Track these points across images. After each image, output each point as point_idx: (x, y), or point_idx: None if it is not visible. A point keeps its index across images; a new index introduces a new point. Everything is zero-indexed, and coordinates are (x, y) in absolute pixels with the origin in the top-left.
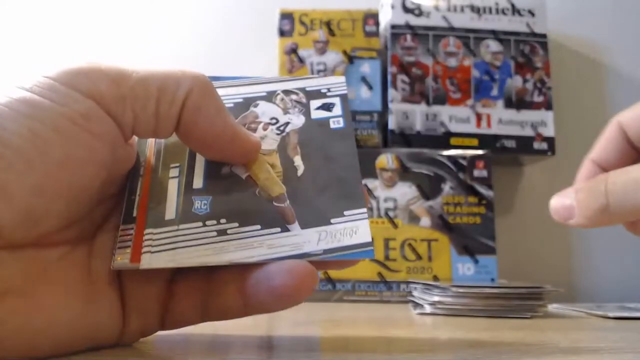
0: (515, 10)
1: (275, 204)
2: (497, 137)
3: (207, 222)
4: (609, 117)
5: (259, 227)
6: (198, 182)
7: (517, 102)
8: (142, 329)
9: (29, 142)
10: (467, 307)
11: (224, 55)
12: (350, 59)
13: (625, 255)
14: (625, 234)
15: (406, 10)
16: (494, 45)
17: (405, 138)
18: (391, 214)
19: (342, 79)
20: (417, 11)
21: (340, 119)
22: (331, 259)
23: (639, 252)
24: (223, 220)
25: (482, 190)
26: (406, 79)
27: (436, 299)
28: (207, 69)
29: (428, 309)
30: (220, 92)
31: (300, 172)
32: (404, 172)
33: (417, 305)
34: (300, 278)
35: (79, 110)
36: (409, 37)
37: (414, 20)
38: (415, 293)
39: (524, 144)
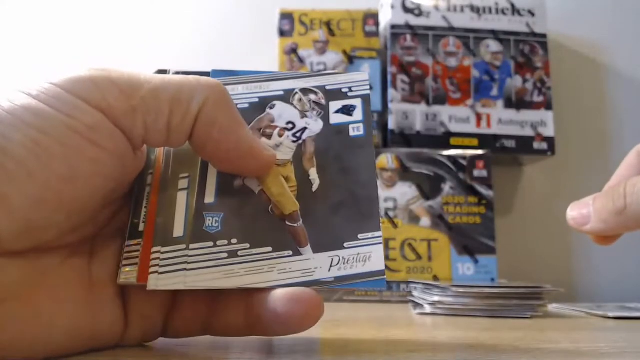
0: (515, 10)
1: (287, 223)
2: (497, 137)
3: (218, 242)
4: (609, 117)
5: (270, 249)
6: (210, 197)
7: (517, 102)
8: (143, 336)
9: (33, 153)
10: (467, 307)
11: (224, 55)
12: (350, 59)
13: (625, 255)
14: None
15: (406, 10)
16: (494, 45)
17: (405, 138)
18: (391, 214)
19: (366, 76)
20: (417, 11)
21: (361, 126)
22: (342, 287)
23: (639, 252)
24: (234, 241)
25: (482, 190)
26: (406, 79)
27: (436, 299)
28: (207, 68)
29: (428, 309)
30: (236, 89)
31: (315, 187)
32: (404, 172)
33: (417, 305)
34: (306, 307)
35: (86, 122)
36: (409, 37)
37: (414, 20)
38: (415, 293)
39: (524, 144)
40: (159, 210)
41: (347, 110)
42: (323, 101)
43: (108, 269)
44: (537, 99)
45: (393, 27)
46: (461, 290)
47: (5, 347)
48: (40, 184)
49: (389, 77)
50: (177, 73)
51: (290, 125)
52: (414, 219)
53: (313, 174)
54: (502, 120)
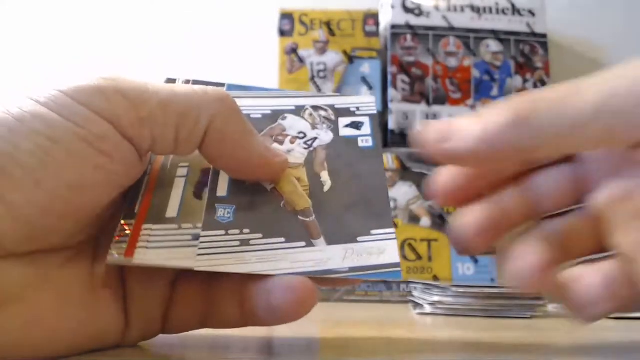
0: (515, 10)
1: (300, 217)
2: None
3: (230, 231)
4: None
5: (283, 239)
6: (222, 190)
7: None
8: (144, 334)
9: (41, 162)
10: (467, 307)
11: (224, 55)
12: (350, 59)
13: None
14: None
15: (406, 10)
16: (494, 45)
17: (405, 138)
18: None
19: (373, 99)
20: (417, 11)
21: (370, 139)
22: (356, 277)
23: None
24: (246, 230)
25: None
26: (406, 79)
27: (436, 299)
28: (207, 68)
29: (428, 309)
30: (248, 102)
31: (327, 187)
32: (404, 172)
33: (417, 305)
34: (300, 295)
35: (95, 132)
36: (409, 37)
37: (414, 20)
38: (415, 293)
39: None
40: (155, 194)
41: (356, 125)
42: (332, 117)
43: (110, 269)
44: None
45: (393, 27)
46: (461, 290)
47: (7, 350)
48: (48, 192)
49: (389, 77)
50: (187, 82)
51: (302, 135)
52: (414, 219)
53: (324, 176)
54: None
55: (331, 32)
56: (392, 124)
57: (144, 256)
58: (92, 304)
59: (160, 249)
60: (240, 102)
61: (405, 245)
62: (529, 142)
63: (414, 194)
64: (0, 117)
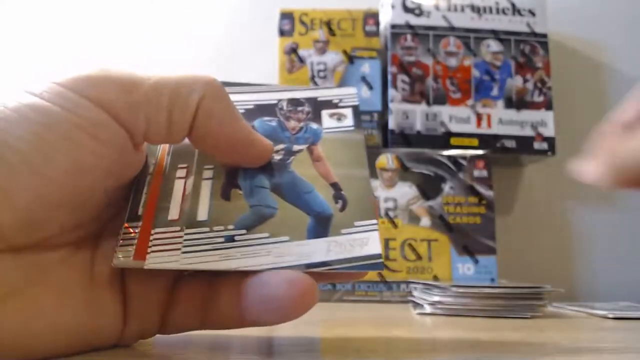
0: (515, 10)
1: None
2: (497, 137)
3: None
4: (609, 117)
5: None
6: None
7: (517, 102)
8: (142, 333)
9: (36, 148)
10: (467, 307)
11: (223, 55)
12: (350, 58)
13: (625, 256)
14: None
15: (406, 10)
16: (494, 45)
17: (405, 138)
18: (391, 214)
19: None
20: (418, 11)
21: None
22: (339, 270)
23: (639, 252)
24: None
25: (482, 190)
26: (406, 78)
27: (436, 299)
28: (207, 68)
29: (428, 309)
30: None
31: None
32: (404, 172)
33: (417, 305)
34: (301, 291)
35: (89, 118)
36: (409, 37)
37: (414, 20)
38: (415, 293)
39: (524, 144)
40: (160, 196)
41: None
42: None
43: (109, 268)
44: (538, 99)
45: (393, 26)
46: (461, 290)
47: (5, 345)
48: (44, 179)
49: (389, 77)
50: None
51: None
52: (414, 219)
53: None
54: (502, 120)
55: (331, 32)
56: (392, 124)
57: (154, 260)
58: (91, 301)
59: (167, 252)
60: None
61: (405, 245)
62: None
63: (414, 194)
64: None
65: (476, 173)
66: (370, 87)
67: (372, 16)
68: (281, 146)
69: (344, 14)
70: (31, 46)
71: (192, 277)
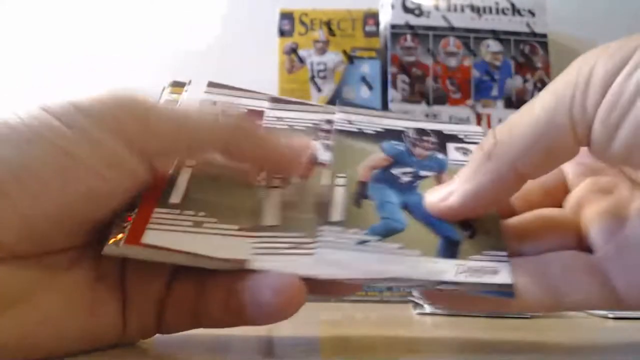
0: (515, 10)
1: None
2: None
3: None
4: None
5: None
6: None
7: (517, 102)
8: (141, 332)
9: (55, 173)
10: None
11: (223, 55)
12: (350, 59)
13: None
14: None
15: (406, 10)
16: (494, 45)
17: None
18: None
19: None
20: (417, 11)
21: None
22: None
23: None
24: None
25: None
26: (406, 79)
27: None
28: (207, 68)
29: (428, 309)
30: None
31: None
32: None
33: (417, 305)
34: (288, 294)
35: (107, 149)
36: (409, 37)
37: (414, 20)
38: (415, 293)
39: None
40: (167, 185)
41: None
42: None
43: (112, 271)
44: None
45: (393, 27)
46: None
47: (13, 350)
48: (59, 202)
49: (389, 77)
50: (188, 83)
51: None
52: None
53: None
54: (502, 120)
55: (331, 32)
56: None
57: (152, 238)
58: (94, 304)
59: (166, 231)
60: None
61: None
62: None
63: None
64: (14, 125)
65: None
66: (370, 87)
67: (372, 16)
68: (408, 169)
69: (343, 14)
70: (31, 46)
71: (187, 276)
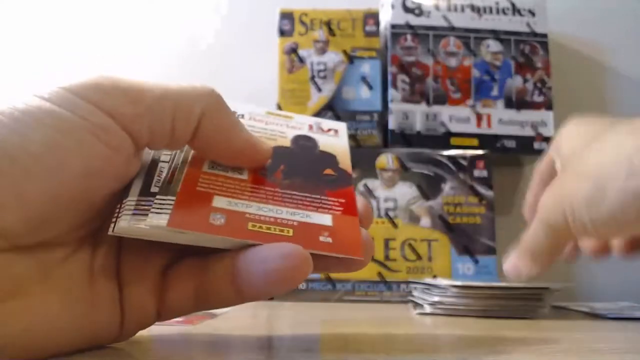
0: (515, 10)
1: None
2: (497, 137)
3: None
4: (609, 117)
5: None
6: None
7: (517, 102)
8: (140, 323)
9: (51, 152)
10: (467, 307)
11: (223, 55)
12: (350, 58)
13: None
14: None
15: (406, 10)
16: (494, 45)
17: (405, 138)
18: (391, 214)
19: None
20: (417, 11)
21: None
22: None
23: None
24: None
25: (482, 190)
26: (406, 79)
27: (436, 299)
28: (207, 68)
29: (428, 309)
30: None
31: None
32: (404, 172)
33: (417, 305)
34: (294, 262)
35: (99, 124)
36: (409, 37)
37: (414, 20)
38: (415, 293)
39: (524, 144)
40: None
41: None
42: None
43: (108, 264)
44: (538, 99)
45: (393, 26)
46: (461, 290)
47: (10, 344)
48: (57, 182)
49: (389, 77)
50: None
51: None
52: (414, 219)
53: None
54: (502, 120)
55: (331, 32)
56: (392, 124)
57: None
58: (92, 297)
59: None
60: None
61: (405, 245)
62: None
63: (414, 194)
64: (7, 112)
65: (476, 173)
66: (370, 87)
67: (372, 16)
68: None
69: (344, 14)
70: (31, 46)
71: (184, 260)
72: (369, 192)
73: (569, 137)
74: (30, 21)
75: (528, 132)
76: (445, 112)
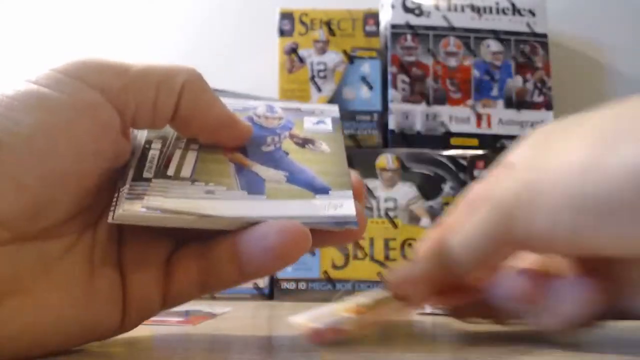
0: (515, 10)
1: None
2: (497, 137)
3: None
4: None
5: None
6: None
7: (517, 102)
8: (144, 313)
9: (40, 133)
10: None
11: (223, 55)
12: (350, 58)
13: None
14: None
15: (406, 10)
16: (494, 45)
17: (405, 138)
18: (391, 214)
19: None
20: (418, 11)
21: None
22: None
23: None
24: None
25: None
26: (406, 79)
27: None
28: (207, 68)
29: (428, 309)
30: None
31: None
32: (404, 172)
33: None
34: (294, 237)
35: (86, 100)
36: (409, 37)
37: (414, 20)
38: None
39: None
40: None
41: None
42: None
43: (109, 255)
44: (538, 99)
45: (393, 26)
46: None
47: (10, 341)
48: (49, 163)
49: (389, 77)
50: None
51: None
52: (414, 219)
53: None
54: (502, 120)
55: (331, 32)
56: (392, 124)
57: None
58: (93, 291)
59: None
60: None
61: (405, 245)
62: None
63: (414, 194)
64: (1, 101)
65: (476, 173)
66: (370, 87)
67: (372, 16)
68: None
69: (344, 14)
70: (31, 45)
71: (187, 248)
72: (369, 192)
73: (517, 152)
74: (30, 21)
75: (528, 132)
76: (445, 112)
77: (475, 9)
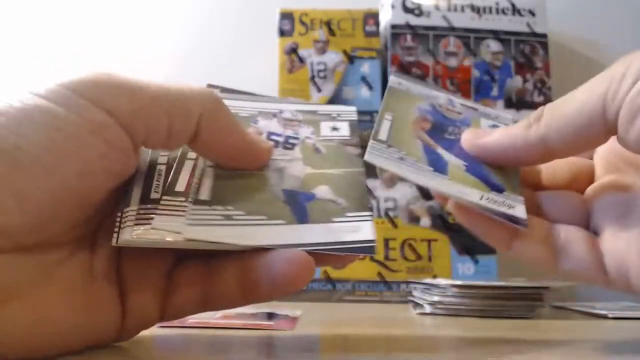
0: (515, 10)
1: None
2: None
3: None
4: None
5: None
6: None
7: (517, 102)
8: (142, 324)
9: (47, 150)
10: (467, 307)
11: (223, 55)
12: (350, 58)
13: None
14: None
15: (406, 10)
16: (494, 45)
17: None
18: (391, 214)
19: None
20: (417, 11)
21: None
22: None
23: None
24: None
25: None
26: None
27: (436, 298)
28: (207, 68)
29: (428, 308)
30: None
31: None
32: None
33: (417, 305)
34: (299, 267)
35: (96, 122)
36: (409, 37)
37: (414, 20)
38: (415, 293)
39: None
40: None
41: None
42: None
43: (107, 263)
44: (537, 99)
45: (393, 26)
46: (461, 290)
47: (10, 347)
48: (55, 179)
49: (389, 77)
50: (224, 90)
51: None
52: (414, 219)
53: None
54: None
55: (331, 32)
56: None
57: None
58: (92, 298)
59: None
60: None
61: (405, 245)
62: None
63: (414, 194)
64: (3, 110)
65: None
66: (370, 87)
67: (372, 16)
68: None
69: (344, 14)
70: (31, 45)
71: (190, 263)
72: (369, 192)
73: None
74: (29, 21)
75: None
76: None
77: (475, 9)
